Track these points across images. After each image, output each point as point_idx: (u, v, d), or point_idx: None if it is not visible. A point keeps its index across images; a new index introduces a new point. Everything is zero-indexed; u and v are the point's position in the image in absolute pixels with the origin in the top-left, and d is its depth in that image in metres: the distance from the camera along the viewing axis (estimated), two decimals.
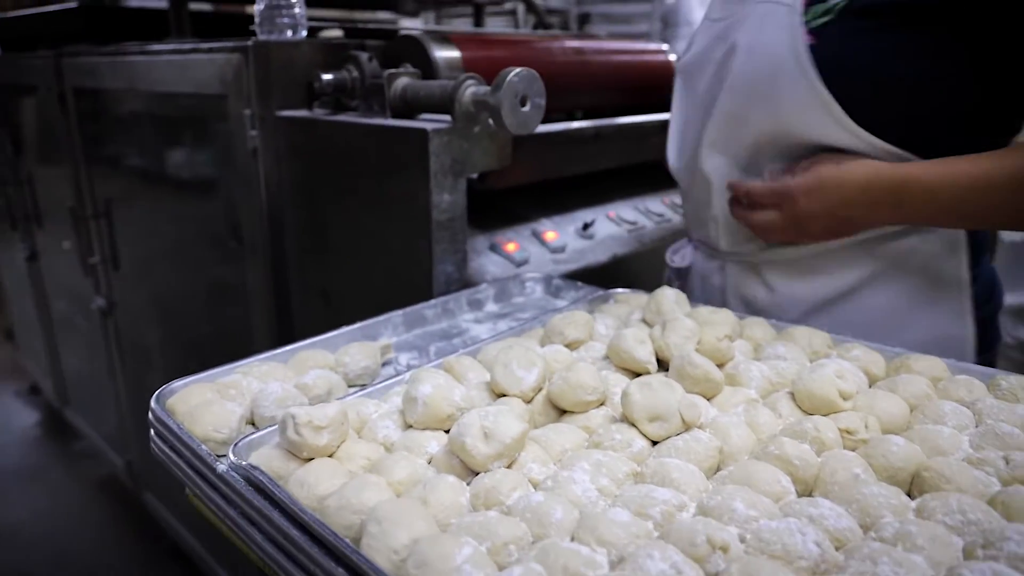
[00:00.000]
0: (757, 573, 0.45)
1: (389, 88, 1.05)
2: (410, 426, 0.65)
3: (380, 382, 0.74)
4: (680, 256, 1.15)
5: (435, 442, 0.62)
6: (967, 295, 0.93)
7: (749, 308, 1.03)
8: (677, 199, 1.58)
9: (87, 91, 1.73)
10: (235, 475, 0.58)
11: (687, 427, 0.63)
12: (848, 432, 0.63)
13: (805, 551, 0.48)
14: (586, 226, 1.33)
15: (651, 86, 1.60)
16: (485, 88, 0.96)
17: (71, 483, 2.51)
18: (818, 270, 0.97)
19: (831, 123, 0.87)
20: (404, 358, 0.89)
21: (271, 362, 0.79)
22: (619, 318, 0.91)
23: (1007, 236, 2.12)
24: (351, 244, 1.13)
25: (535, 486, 0.56)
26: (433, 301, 0.97)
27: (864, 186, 0.86)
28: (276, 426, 0.64)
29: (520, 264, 1.19)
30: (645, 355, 0.74)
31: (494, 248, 1.20)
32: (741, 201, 0.97)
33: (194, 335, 1.60)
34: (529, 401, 0.69)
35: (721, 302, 1.05)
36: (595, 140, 1.31)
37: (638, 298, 0.96)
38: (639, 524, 0.50)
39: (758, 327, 0.85)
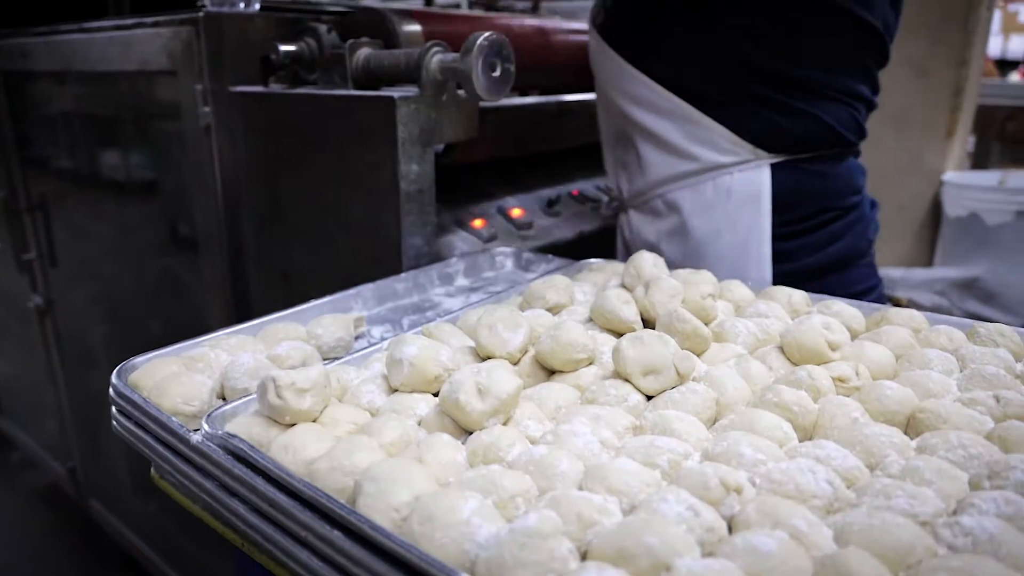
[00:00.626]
0: (774, 511, 0.44)
1: (351, 59, 1.01)
2: (395, 390, 0.62)
3: (357, 352, 0.71)
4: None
5: (423, 404, 0.59)
6: (765, 256, 1.00)
7: (623, 245, 1.19)
8: None
9: (19, 75, 1.64)
10: (212, 445, 0.54)
11: (681, 380, 0.61)
12: (840, 380, 0.63)
13: (818, 489, 0.47)
14: (551, 203, 1.31)
15: None
16: (453, 55, 0.93)
17: (9, 496, 2.37)
18: (657, 212, 1.09)
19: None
20: (377, 331, 0.85)
21: (240, 335, 0.75)
22: (596, 285, 0.89)
23: (951, 211, 2.19)
24: (313, 223, 1.09)
25: (533, 443, 0.54)
26: (403, 275, 0.94)
27: None
28: (250, 397, 0.60)
29: (488, 240, 1.17)
30: (630, 315, 0.72)
31: (461, 224, 1.17)
32: None
33: (143, 332, 1.52)
34: (516, 363, 0.67)
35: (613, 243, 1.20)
36: (558, 116, 1.29)
37: (613, 266, 0.95)
38: (648, 472, 0.49)
39: (736, 288, 0.84)
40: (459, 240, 1.13)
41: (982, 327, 0.71)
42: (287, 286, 1.16)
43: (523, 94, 1.50)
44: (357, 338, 0.83)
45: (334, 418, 0.56)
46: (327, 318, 0.78)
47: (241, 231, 1.19)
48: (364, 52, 1.02)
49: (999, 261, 1.77)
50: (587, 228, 1.33)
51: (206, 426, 0.56)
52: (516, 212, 1.25)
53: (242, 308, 1.21)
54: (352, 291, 0.88)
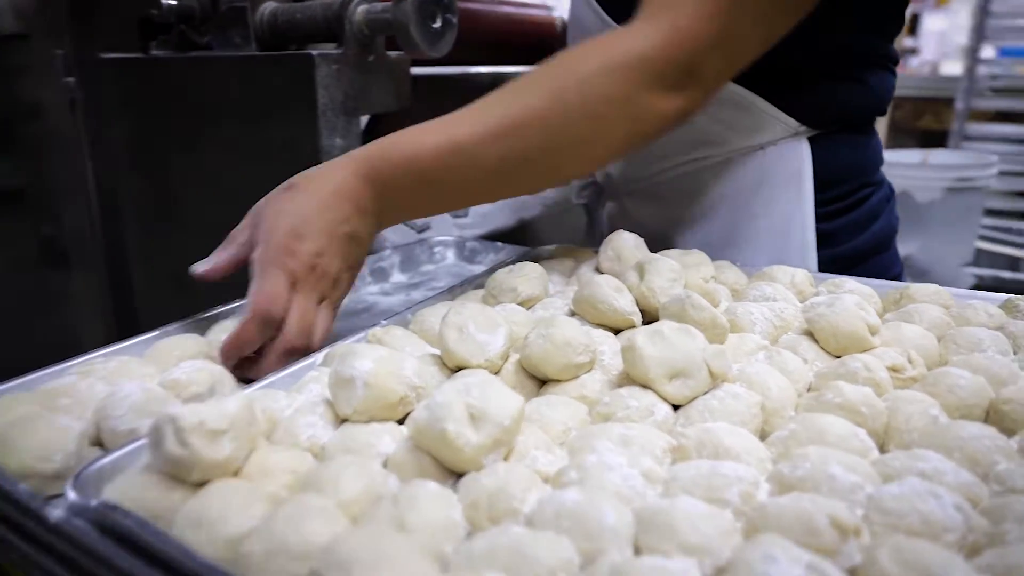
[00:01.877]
0: (917, 559, 0.31)
1: (253, 14, 0.83)
2: (344, 420, 0.46)
3: (282, 370, 0.54)
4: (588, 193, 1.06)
5: (387, 437, 0.43)
6: (810, 241, 0.85)
7: None
8: None
9: None
10: (80, 523, 0.36)
11: (715, 382, 0.49)
12: (894, 370, 0.52)
13: (948, 520, 0.35)
14: None
15: (535, 44, 1.48)
16: (383, 3, 0.77)
17: None
18: (666, 198, 0.91)
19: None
20: None
21: (121, 356, 0.56)
22: (565, 274, 0.76)
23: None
24: (215, 214, 0.89)
25: (552, 483, 0.40)
26: None
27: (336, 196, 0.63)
28: (139, 442, 0.43)
29: (422, 230, 1.01)
30: (627, 305, 0.59)
31: None
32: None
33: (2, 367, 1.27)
34: (496, 372, 0.52)
35: (600, 231, 1.02)
36: (491, 88, 1.15)
37: (578, 252, 0.81)
38: (721, 516, 0.35)
39: (727, 270, 0.73)
40: (389, 230, 0.97)
41: (1021, 300, 0.62)
42: (183, 293, 0.96)
43: None
44: None
45: (264, 468, 0.40)
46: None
47: (122, 230, 0.98)
48: (270, 6, 0.84)
49: (930, 237, 1.77)
50: (528, 215, 1.19)
51: (72, 493, 0.38)
52: None
53: (127, 324, 1.01)
54: None
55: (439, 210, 0.73)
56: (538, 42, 1.49)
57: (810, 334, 0.58)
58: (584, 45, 0.65)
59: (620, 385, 0.51)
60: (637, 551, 0.34)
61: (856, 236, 0.86)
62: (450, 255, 0.92)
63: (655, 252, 0.71)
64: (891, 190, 0.92)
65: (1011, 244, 2.29)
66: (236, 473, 0.39)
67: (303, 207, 0.60)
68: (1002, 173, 2.34)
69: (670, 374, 0.48)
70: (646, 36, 0.61)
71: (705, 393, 0.48)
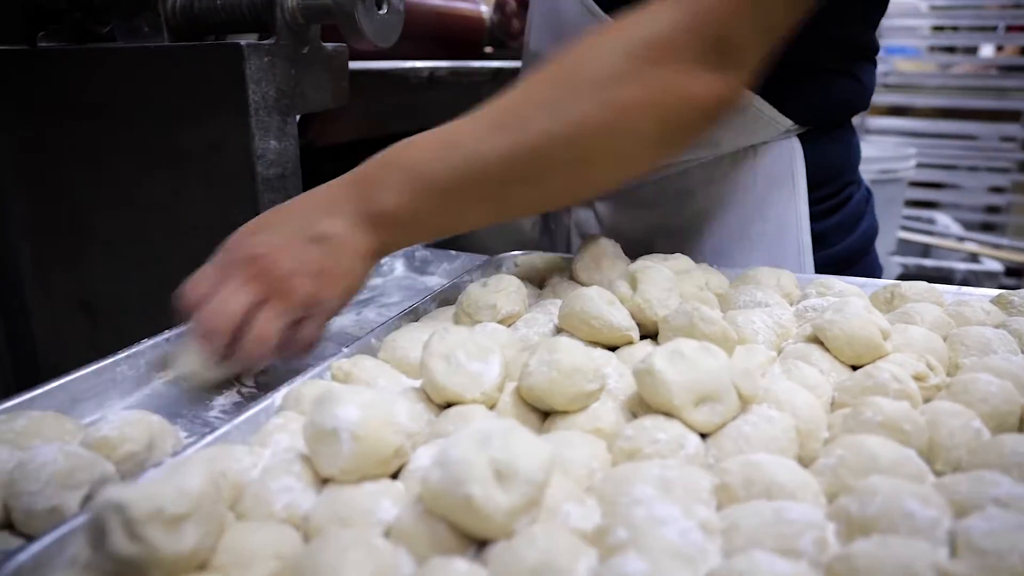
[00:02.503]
0: None
1: (165, 1, 0.73)
2: (325, 480, 0.38)
3: (237, 418, 0.45)
4: None
5: (387, 500, 0.36)
6: (806, 243, 0.81)
7: None
8: None
9: None
10: None
11: (743, 405, 0.43)
12: (918, 379, 0.48)
13: None
14: None
15: (463, 38, 1.41)
16: None
17: None
18: (648, 203, 0.84)
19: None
20: (247, 376, 0.59)
21: (31, 411, 0.46)
22: (535, 285, 0.69)
23: None
24: (127, 230, 0.79)
25: (595, 543, 0.33)
26: None
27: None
28: (66, 527, 0.34)
29: None
30: (624, 320, 0.53)
31: None
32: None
33: None
34: (492, 407, 0.46)
35: (567, 241, 0.94)
36: (429, 86, 1.07)
37: (547, 259, 0.75)
38: (800, 570, 0.30)
39: (710, 275, 0.68)
40: None
41: (1015, 295, 0.61)
42: (91, 322, 0.84)
43: None
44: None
45: (240, 555, 0.32)
46: (183, 353, 0.52)
47: (12, 254, 0.85)
48: None
49: None
50: None
51: None
52: None
53: (25, 365, 0.87)
54: None
55: (447, 223, 0.60)
56: (466, 36, 1.42)
57: (817, 341, 0.54)
58: (596, 34, 0.58)
59: (632, 411, 0.46)
60: None
61: (846, 236, 0.83)
62: (399, 266, 0.84)
63: (632, 260, 0.67)
64: (869, 190, 0.91)
65: (926, 232, 2.41)
66: (203, 567, 0.31)
67: (270, 212, 0.59)
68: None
69: (696, 400, 0.42)
70: (669, 16, 0.54)
71: (735, 418, 0.43)
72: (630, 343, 0.53)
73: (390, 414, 0.38)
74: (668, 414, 0.43)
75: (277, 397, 0.48)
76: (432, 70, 1.05)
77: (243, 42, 0.65)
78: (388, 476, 0.38)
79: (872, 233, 0.88)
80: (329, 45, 0.74)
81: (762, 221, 0.81)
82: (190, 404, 0.55)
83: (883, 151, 2.09)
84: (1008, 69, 3.54)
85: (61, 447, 0.40)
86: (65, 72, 0.76)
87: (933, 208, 3.01)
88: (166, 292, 0.80)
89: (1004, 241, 2.60)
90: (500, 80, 1.28)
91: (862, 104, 0.84)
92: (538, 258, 0.75)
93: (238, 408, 0.55)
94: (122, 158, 0.75)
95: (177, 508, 0.30)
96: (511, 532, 0.32)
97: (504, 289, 0.58)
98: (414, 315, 0.62)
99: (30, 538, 0.40)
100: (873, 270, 0.87)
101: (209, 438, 0.43)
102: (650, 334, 0.56)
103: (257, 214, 0.68)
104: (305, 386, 0.47)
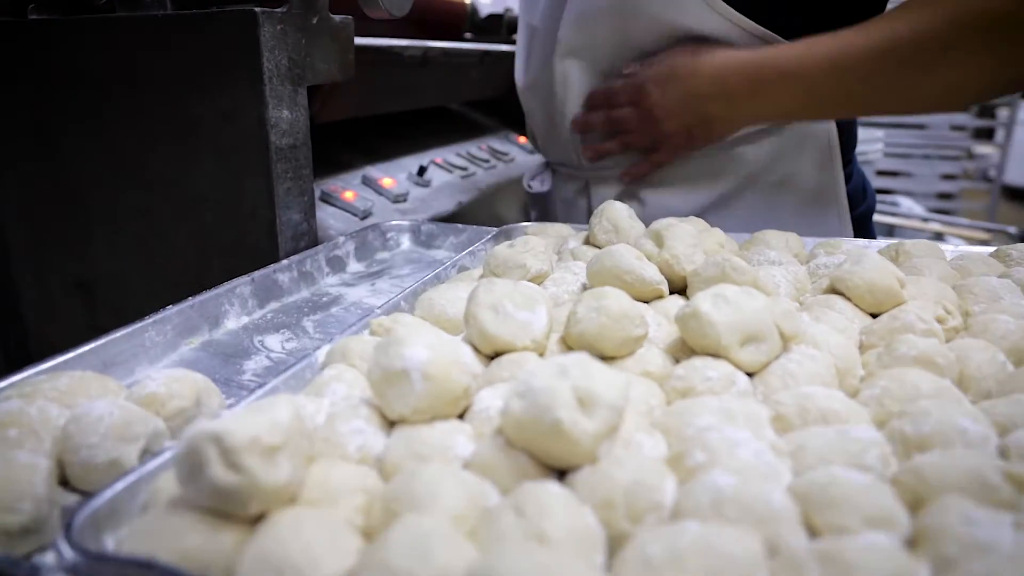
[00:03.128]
0: None
1: None
2: (392, 423, 0.38)
3: (283, 372, 0.45)
4: (539, 181, 1.03)
5: (461, 436, 0.36)
6: (844, 205, 0.85)
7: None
8: (495, 143, 1.40)
9: None
10: None
11: (785, 345, 0.45)
12: (939, 321, 0.51)
13: None
14: (421, 171, 1.10)
15: (447, 24, 1.41)
16: None
17: None
18: (687, 180, 0.88)
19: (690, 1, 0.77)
20: (273, 341, 0.59)
21: (73, 371, 0.45)
22: (552, 250, 0.70)
23: None
24: (127, 206, 0.77)
25: (675, 467, 0.34)
26: (284, 262, 0.68)
27: (717, 74, 0.77)
28: (132, 475, 0.34)
29: (364, 216, 0.92)
30: (654, 274, 0.54)
31: (328, 198, 0.91)
32: (599, 107, 0.86)
33: None
34: (542, 353, 0.46)
35: (553, 212, 1.01)
36: (422, 66, 1.07)
37: (556, 228, 0.76)
38: (883, 484, 0.31)
39: (715, 234, 0.70)
40: (330, 217, 0.88)
41: (1012, 249, 0.64)
42: (87, 300, 0.82)
43: None
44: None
45: (327, 490, 0.32)
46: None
47: (2, 234, 0.83)
48: None
49: None
50: (465, 198, 1.13)
51: (67, 550, 0.29)
52: (387, 182, 1.01)
53: (17, 347, 0.85)
54: (222, 289, 0.61)
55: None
56: (449, 21, 1.42)
57: (836, 293, 0.56)
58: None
59: (675, 357, 0.47)
60: (812, 531, 0.29)
61: (862, 201, 0.87)
62: (405, 240, 0.84)
63: (545, 223, 0.75)
64: (861, 169, 0.95)
65: (890, 214, 2.50)
66: (293, 500, 0.31)
67: (681, 67, 0.79)
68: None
69: (742, 339, 0.44)
70: None
71: (778, 358, 0.44)
72: (660, 297, 0.54)
73: (457, 354, 0.38)
74: (715, 355, 0.44)
75: (319, 354, 0.48)
76: (426, 49, 1.05)
77: (258, 9, 0.64)
78: (455, 417, 0.38)
79: (873, 202, 0.92)
80: (336, 17, 0.73)
81: (801, 191, 0.83)
82: (222, 369, 0.54)
83: None
84: None
85: (114, 402, 0.40)
86: (61, 45, 0.74)
87: (892, 195, 3.11)
88: (171, 271, 0.79)
89: (963, 221, 2.70)
90: (487, 63, 1.28)
91: None
92: (549, 227, 0.76)
93: (270, 372, 0.54)
94: (124, 132, 0.74)
95: (272, 438, 0.30)
96: (595, 457, 0.33)
97: (532, 249, 0.59)
98: (437, 281, 0.62)
99: (85, 493, 0.39)
100: (872, 233, 0.91)
101: (259, 392, 0.43)
102: (676, 289, 0.57)
103: (269, 184, 0.68)
104: (350, 341, 0.47)
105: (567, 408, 0.32)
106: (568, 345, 0.47)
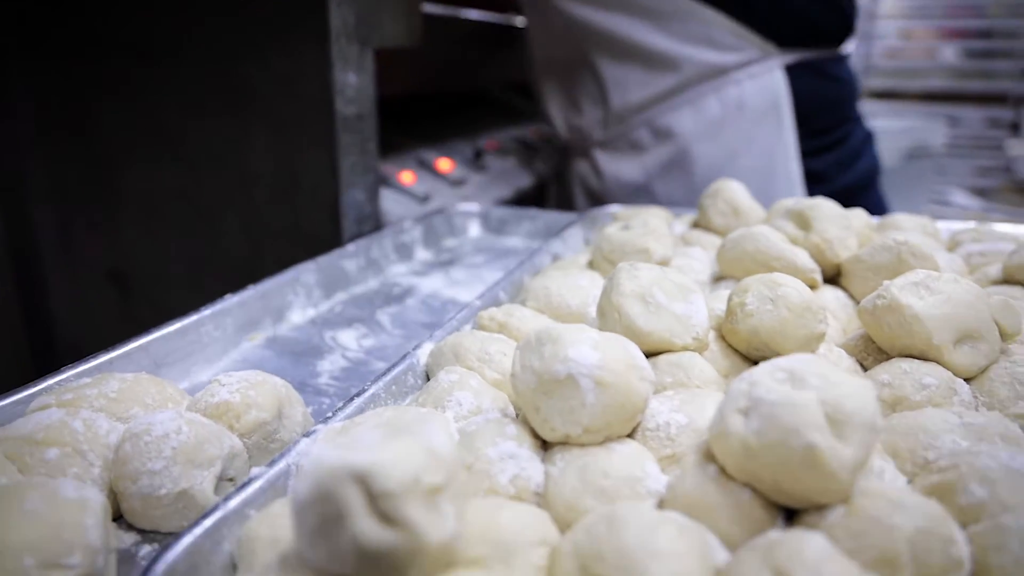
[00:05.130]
0: None
1: None
2: (547, 444, 0.30)
3: (378, 379, 0.37)
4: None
5: (650, 465, 0.28)
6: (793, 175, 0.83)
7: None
8: (543, 129, 1.32)
9: None
10: None
11: (1005, 344, 0.36)
12: None
13: None
14: (478, 154, 1.01)
15: None
16: None
17: None
18: (642, 145, 0.88)
19: None
20: (347, 337, 0.51)
21: (120, 373, 0.37)
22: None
23: None
24: (167, 186, 0.69)
25: (945, 502, 0.26)
26: (350, 247, 0.59)
27: None
28: (218, 513, 0.25)
29: (424, 200, 0.84)
30: (806, 260, 0.46)
31: (385, 180, 0.83)
32: None
33: None
34: (702, 353, 0.38)
35: (571, 200, 1.01)
36: (479, 40, 0.99)
37: (650, 211, 0.67)
38: None
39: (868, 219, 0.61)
40: (389, 201, 0.79)
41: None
42: (122, 295, 0.74)
43: None
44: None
45: (497, 545, 0.23)
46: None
47: (28, 218, 0.75)
48: None
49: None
50: (524, 184, 1.04)
51: None
52: (444, 165, 0.93)
53: (40, 341, 0.77)
54: (286, 276, 0.52)
55: None
56: None
57: (1013, 283, 0.47)
58: None
59: (859, 357, 0.38)
60: None
61: (844, 173, 0.84)
62: (474, 227, 0.76)
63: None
64: (870, 132, 0.92)
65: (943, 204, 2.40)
66: (452, 559, 0.23)
67: None
68: None
69: (956, 338, 0.35)
70: None
71: (997, 360, 0.36)
72: (813, 287, 0.46)
73: (630, 355, 0.29)
74: (921, 356, 0.35)
75: (419, 354, 0.39)
76: (505, 26, 0.96)
77: None
78: (626, 436, 0.30)
79: (872, 171, 0.89)
80: None
81: (750, 155, 0.82)
82: (293, 370, 0.46)
83: (910, 125, 2.05)
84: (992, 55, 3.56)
85: (180, 414, 0.31)
86: (95, 6, 0.66)
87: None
88: (215, 260, 0.71)
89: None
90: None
91: (839, 31, 0.85)
92: (641, 210, 0.67)
93: (348, 374, 0.46)
94: (163, 101, 0.66)
95: (434, 477, 0.21)
96: (849, 494, 0.24)
97: (654, 231, 0.50)
98: (533, 269, 0.53)
99: (143, 532, 0.31)
100: (878, 208, 0.87)
101: (358, 400, 0.34)
102: (830, 279, 0.48)
103: (333, 159, 0.60)
104: (462, 337, 0.38)
105: (820, 431, 0.23)
106: (730, 342, 0.38)
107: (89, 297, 0.75)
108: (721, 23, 0.78)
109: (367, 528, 0.20)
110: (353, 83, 0.60)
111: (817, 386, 0.25)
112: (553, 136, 1.06)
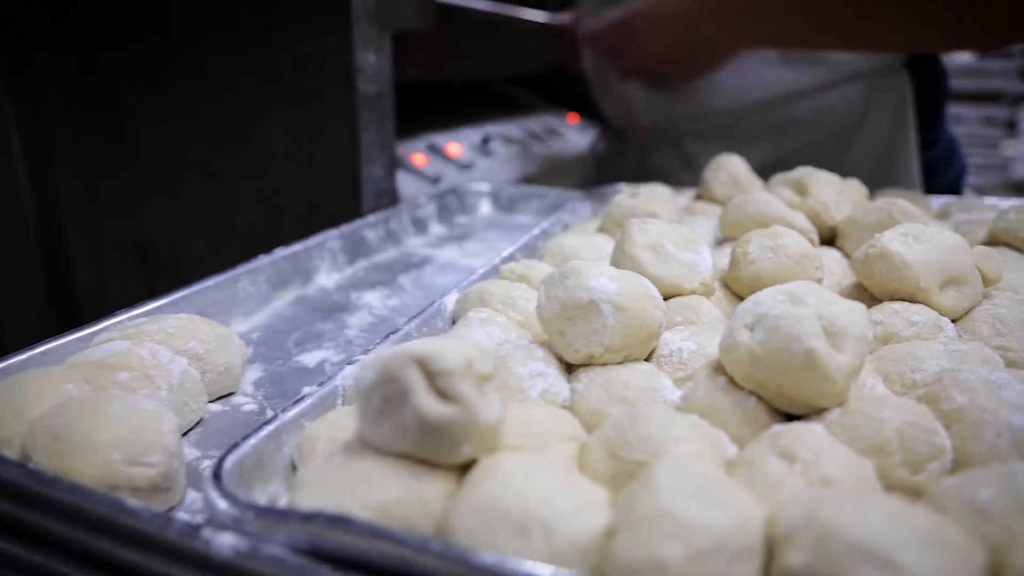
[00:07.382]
0: None
1: None
2: (571, 367, 0.33)
3: (414, 317, 0.40)
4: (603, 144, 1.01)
5: (665, 380, 0.31)
6: (913, 171, 0.82)
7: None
8: (549, 121, 1.35)
9: None
10: (275, 553, 0.22)
11: (986, 288, 0.40)
12: None
13: None
14: (486, 140, 1.04)
15: None
16: None
17: None
18: (747, 139, 0.84)
19: None
20: (373, 298, 0.54)
21: (179, 314, 0.40)
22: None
23: None
24: (191, 162, 0.72)
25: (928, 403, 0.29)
26: (371, 218, 0.63)
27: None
28: (281, 419, 0.29)
29: (435, 182, 0.87)
30: (804, 221, 0.49)
31: (398, 162, 0.86)
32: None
33: None
34: (709, 298, 0.41)
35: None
36: (488, 30, 1.02)
37: (654, 188, 0.70)
38: None
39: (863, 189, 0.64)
40: (403, 181, 0.82)
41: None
42: (145, 268, 0.77)
43: None
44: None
45: (532, 436, 0.26)
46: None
47: (54, 191, 0.77)
48: None
49: None
50: (531, 169, 1.07)
51: (225, 505, 0.23)
52: (453, 149, 0.96)
53: (66, 311, 0.80)
54: (314, 241, 0.55)
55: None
56: None
57: (1001, 244, 0.50)
58: None
59: (868, 300, 0.41)
60: None
61: (947, 170, 0.84)
62: (485, 205, 0.79)
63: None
64: (953, 135, 0.91)
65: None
66: (494, 447, 0.26)
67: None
68: None
69: (942, 281, 0.38)
70: None
71: (980, 303, 0.39)
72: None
73: (644, 286, 0.33)
74: (910, 299, 0.38)
75: (447, 300, 0.43)
76: (493, 14, 0.99)
77: None
78: (643, 359, 0.33)
79: (963, 170, 0.89)
80: None
81: (867, 149, 0.80)
82: (323, 323, 0.49)
83: None
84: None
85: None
86: None
87: None
88: (237, 234, 0.74)
89: None
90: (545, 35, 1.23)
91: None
92: (645, 187, 0.70)
93: (374, 327, 0.49)
94: (187, 80, 0.69)
95: (483, 366, 0.24)
96: (845, 398, 0.27)
97: (660, 198, 0.54)
98: (545, 236, 0.56)
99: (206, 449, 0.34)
100: None
101: (394, 337, 0.37)
102: (827, 240, 0.51)
103: (353, 135, 0.63)
104: (488, 284, 0.41)
105: (818, 338, 0.27)
106: (733, 290, 0.41)
107: (113, 270, 0.78)
108: None
109: (428, 403, 0.23)
110: (373, 63, 0.63)
111: (815, 304, 0.28)
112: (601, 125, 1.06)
